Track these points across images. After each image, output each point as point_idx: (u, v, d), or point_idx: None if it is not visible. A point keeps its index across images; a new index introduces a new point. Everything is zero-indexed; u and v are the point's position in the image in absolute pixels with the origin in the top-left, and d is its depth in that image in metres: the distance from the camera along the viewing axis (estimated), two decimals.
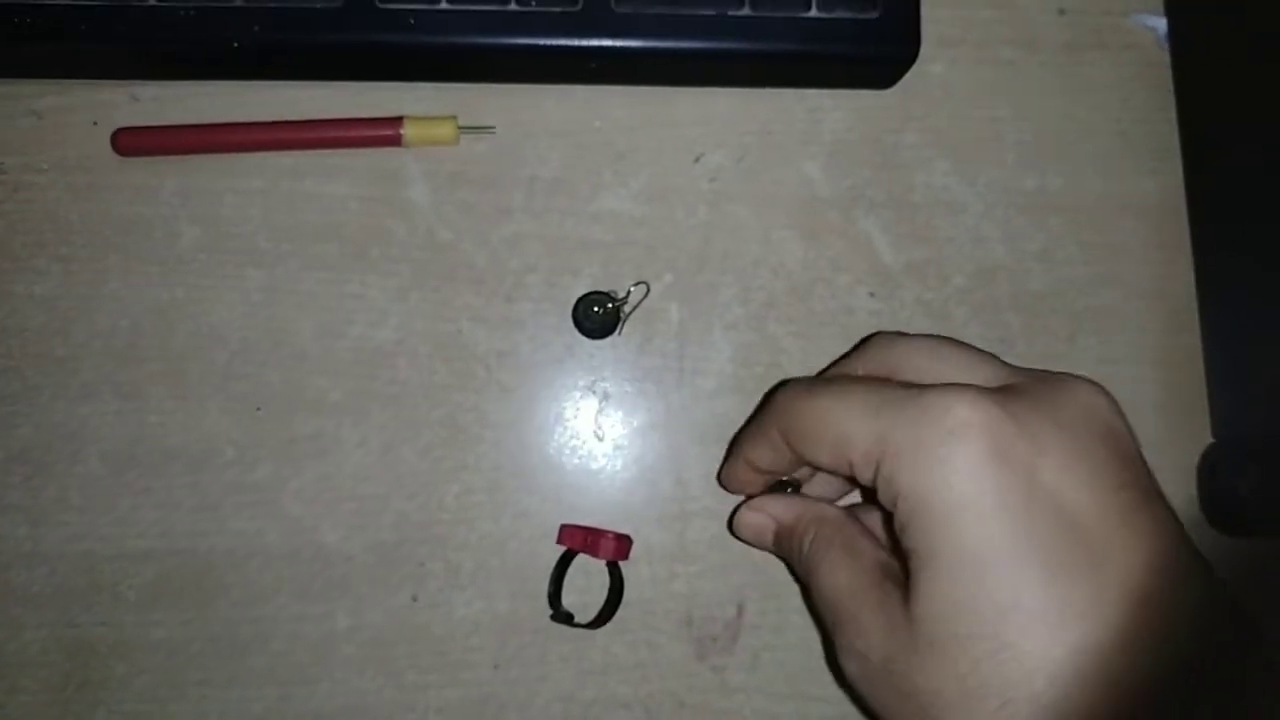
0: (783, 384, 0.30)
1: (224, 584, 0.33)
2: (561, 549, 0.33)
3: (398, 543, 0.33)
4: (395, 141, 0.34)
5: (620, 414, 0.34)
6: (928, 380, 0.26)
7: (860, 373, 0.29)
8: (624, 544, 0.33)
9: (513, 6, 0.32)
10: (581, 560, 0.33)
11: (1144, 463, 0.25)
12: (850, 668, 0.26)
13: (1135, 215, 0.35)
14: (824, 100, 0.35)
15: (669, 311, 0.34)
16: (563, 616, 0.33)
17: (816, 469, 0.30)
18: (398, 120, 0.34)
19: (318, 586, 0.33)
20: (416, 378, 0.34)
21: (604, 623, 0.32)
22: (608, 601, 0.32)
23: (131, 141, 0.34)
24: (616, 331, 0.34)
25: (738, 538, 0.31)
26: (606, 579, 0.33)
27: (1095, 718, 0.21)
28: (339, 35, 0.33)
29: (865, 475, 0.25)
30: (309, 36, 0.33)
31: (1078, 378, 0.26)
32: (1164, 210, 0.35)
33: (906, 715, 0.24)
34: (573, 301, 0.34)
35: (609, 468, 0.34)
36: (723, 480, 0.33)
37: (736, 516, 0.31)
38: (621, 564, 0.33)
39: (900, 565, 0.26)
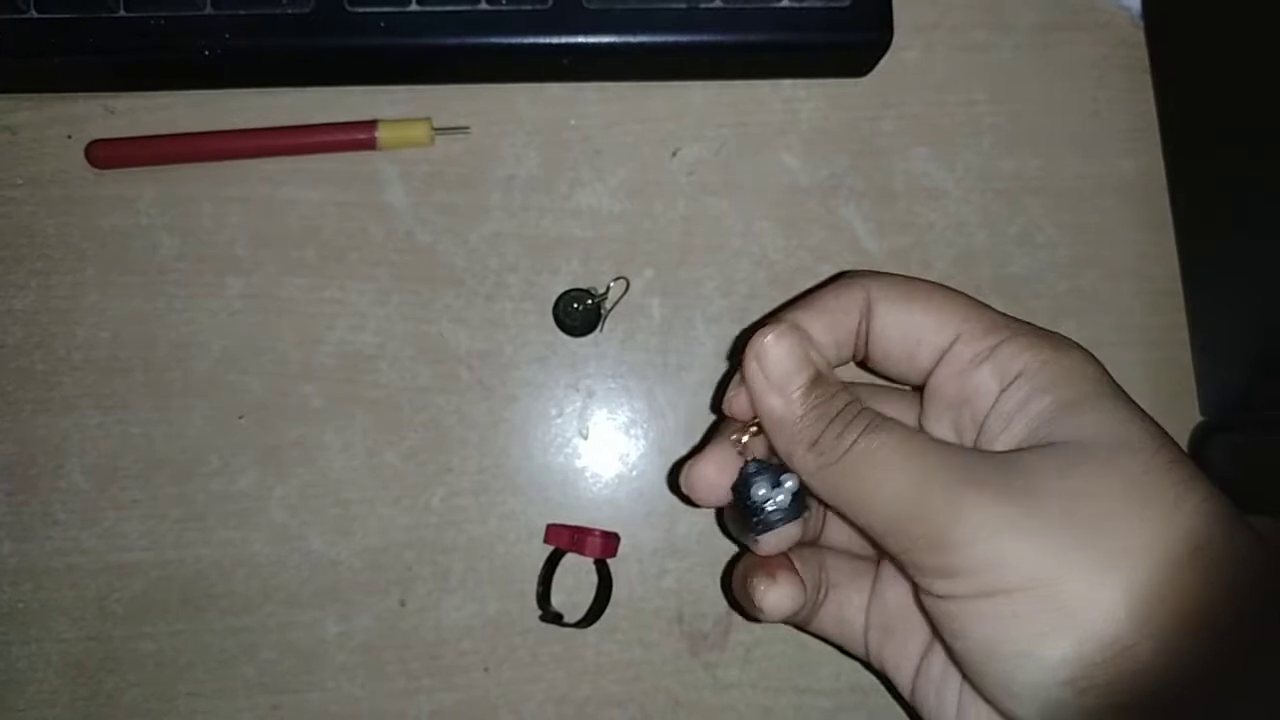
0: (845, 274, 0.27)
1: (212, 594, 0.33)
2: (549, 549, 0.33)
3: (384, 547, 0.33)
4: (370, 145, 0.34)
5: (605, 411, 0.34)
6: (911, 330, 0.26)
7: (828, 317, 0.26)
8: (611, 542, 0.32)
9: (483, 6, 0.32)
10: (571, 559, 0.33)
11: None
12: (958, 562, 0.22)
13: (1115, 195, 0.35)
14: (799, 90, 0.35)
15: (651, 306, 0.34)
16: (552, 616, 0.32)
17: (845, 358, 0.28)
18: (372, 124, 0.34)
19: (306, 594, 0.33)
20: (398, 381, 0.34)
21: (593, 621, 0.32)
22: (596, 599, 0.32)
23: (106, 153, 0.34)
24: (598, 328, 0.34)
25: (749, 372, 0.25)
26: (595, 578, 0.33)
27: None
28: (310, 40, 0.33)
29: (973, 347, 0.25)
30: (280, 42, 0.33)
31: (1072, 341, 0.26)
32: (1144, 189, 0.35)
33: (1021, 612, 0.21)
34: (553, 299, 0.34)
35: (595, 465, 0.34)
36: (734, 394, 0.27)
37: (762, 344, 0.25)
38: (610, 562, 0.33)
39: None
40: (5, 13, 0.32)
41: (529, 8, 0.32)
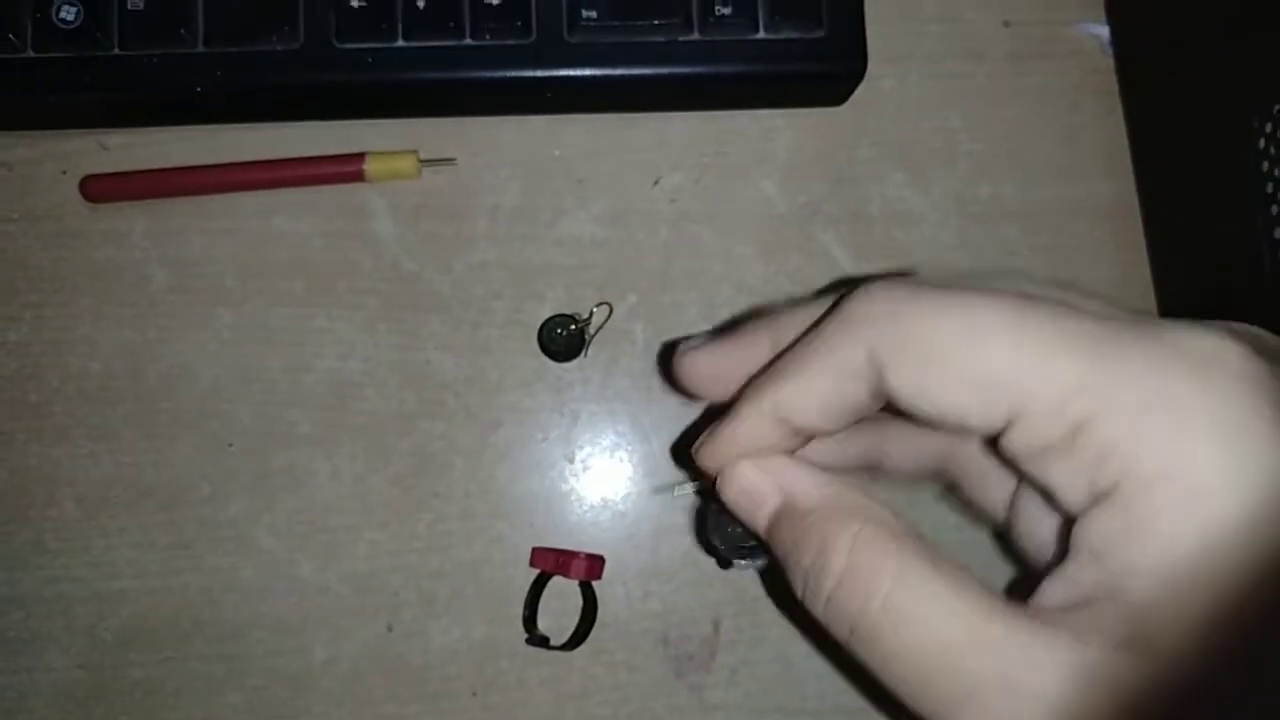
0: (857, 285, 0.20)
1: (200, 621, 0.33)
2: (535, 572, 0.33)
3: (371, 573, 0.33)
4: (358, 177, 0.35)
5: (589, 435, 0.34)
6: (945, 411, 0.18)
7: (816, 390, 0.20)
8: (596, 564, 0.33)
9: (468, 41, 0.33)
10: (557, 583, 0.33)
11: None
12: None
13: (1089, 219, 0.36)
14: (777, 120, 0.36)
15: (634, 331, 0.35)
16: (538, 640, 0.33)
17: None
18: (360, 156, 0.35)
19: (293, 620, 0.33)
20: (385, 407, 0.34)
21: (579, 643, 0.32)
22: (581, 621, 0.32)
23: (100, 188, 0.35)
24: (583, 353, 0.34)
25: (717, 499, 0.22)
26: (581, 601, 0.33)
27: None
28: (300, 76, 0.33)
29: (1039, 436, 0.17)
30: (270, 78, 0.33)
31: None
32: (1118, 213, 0.36)
33: None
34: (538, 326, 0.34)
35: (580, 489, 0.34)
36: (708, 447, 0.22)
37: (730, 472, 0.21)
38: (596, 584, 0.33)
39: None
40: (2, 52, 0.33)
41: (512, 42, 0.33)
